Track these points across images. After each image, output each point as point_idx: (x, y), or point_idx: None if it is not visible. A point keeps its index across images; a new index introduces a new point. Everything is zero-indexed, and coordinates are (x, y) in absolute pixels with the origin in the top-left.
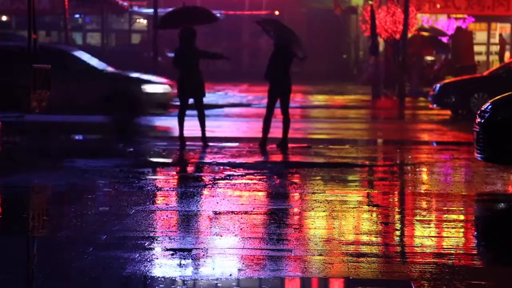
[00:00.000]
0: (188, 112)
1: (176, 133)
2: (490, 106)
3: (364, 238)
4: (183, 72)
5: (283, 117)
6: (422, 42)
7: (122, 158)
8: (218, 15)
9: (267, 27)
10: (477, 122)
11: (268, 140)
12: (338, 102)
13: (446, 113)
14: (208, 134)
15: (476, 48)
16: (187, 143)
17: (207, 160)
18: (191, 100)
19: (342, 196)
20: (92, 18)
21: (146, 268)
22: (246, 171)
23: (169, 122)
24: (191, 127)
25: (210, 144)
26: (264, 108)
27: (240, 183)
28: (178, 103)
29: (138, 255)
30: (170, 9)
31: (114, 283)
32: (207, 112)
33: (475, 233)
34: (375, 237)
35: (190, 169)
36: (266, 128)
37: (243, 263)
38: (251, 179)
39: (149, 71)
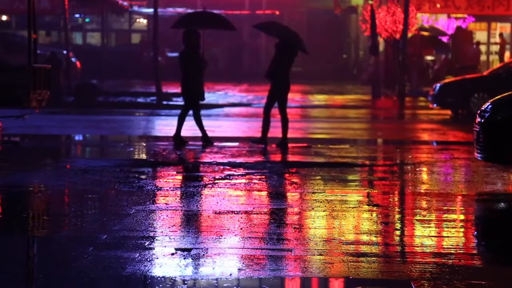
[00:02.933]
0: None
1: None
2: (490, 106)
3: (364, 237)
4: (190, 73)
5: (281, 117)
6: (422, 42)
7: (122, 158)
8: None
9: (267, 30)
10: (477, 122)
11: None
12: (338, 102)
13: (446, 113)
14: (208, 133)
15: None
16: (188, 142)
17: (207, 160)
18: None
19: (342, 195)
20: (92, 18)
21: (146, 268)
22: (246, 171)
23: None
24: (191, 127)
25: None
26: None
27: (240, 183)
28: (182, 103)
29: (138, 255)
30: (170, 9)
31: (114, 283)
32: (207, 111)
33: (475, 233)
34: (375, 236)
35: (190, 168)
36: (267, 127)
37: (243, 263)
38: (251, 179)
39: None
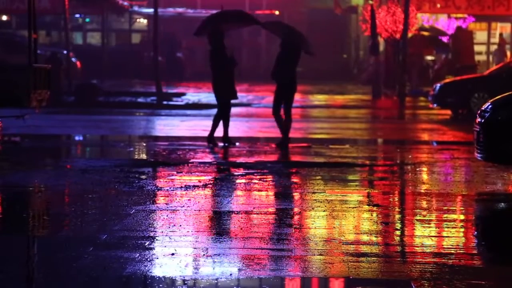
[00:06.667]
0: (180, 111)
1: None
2: (490, 106)
3: (364, 237)
4: (222, 72)
5: (285, 117)
6: (423, 42)
7: (122, 158)
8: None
9: (272, 29)
10: (477, 121)
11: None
12: (338, 102)
13: (446, 113)
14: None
15: (476, 48)
16: (188, 142)
17: (207, 159)
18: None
19: (342, 195)
20: (92, 18)
21: (146, 268)
22: (246, 171)
23: None
24: (191, 127)
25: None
26: (265, 108)
27: (240, 183)
28: (182, 103)
29: (138, 254)
30: (170, 9)
31: (114, 283)
32: (207, 111)
33: (475, 233)
34: (375, 236)
35: (190, 169)
36: (283, 126)
37: (243, 263)
38: (251, 179)
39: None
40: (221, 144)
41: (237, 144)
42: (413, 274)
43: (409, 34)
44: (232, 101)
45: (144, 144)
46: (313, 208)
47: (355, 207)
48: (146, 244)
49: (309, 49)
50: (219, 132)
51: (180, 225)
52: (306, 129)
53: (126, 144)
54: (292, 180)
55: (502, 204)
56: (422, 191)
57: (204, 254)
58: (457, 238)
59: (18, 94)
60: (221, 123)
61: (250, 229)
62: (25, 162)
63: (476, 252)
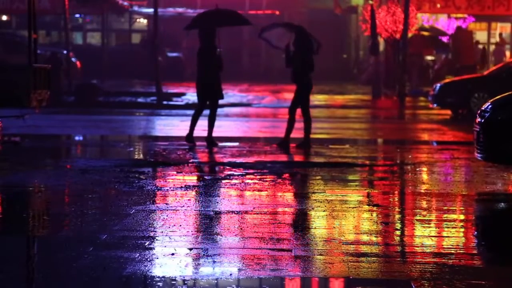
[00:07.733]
0: (180, 111)
1: None
2: (490, 106)
3: (364, 237)
4: (205, 71)
5: (289, 117)
6: (423, 42)
7: (122, 158)
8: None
9: (271, 32)
10: (477, 121)
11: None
12: (338, 102)
13: (446, 113)
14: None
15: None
16: (186, 142)
17: (207, 160)
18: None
19: (342, 195)
20: (92, 18)
21: (146, 268)
22: (246, 171)
23: None
24: (188, 127)
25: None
26: (265, 108)
27: (240, 183)
28: (181, 103)
29: (138, 255)
30: (170, 9)
31: (114, 283)
32: (206, 111)
33: (475, 233)
34: (375, 236)
35: (190, 169)
36: (309, 127)
37: (243, 263)
38: (251, 179)
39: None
40: (184, 142)
41: (196, 143)
42: (413, 274)
43: (409, 34)
44: (232, 101)
45: (144, 144)
46: (313, 208)
47: (355, 207)
48: (146, 244)
49: (318, 48)
50: (218, 132)
51: (180, 225)
52: None
53: (126, 144)
54: (292, 180)
55: (502, 204)
56: (422, 191)
57: (204, 254)
58: (457, 238)
59: (18, 94)
60: (213, 121)
61: (250, 229)
62: (25, 162)
63: (476, 252)
